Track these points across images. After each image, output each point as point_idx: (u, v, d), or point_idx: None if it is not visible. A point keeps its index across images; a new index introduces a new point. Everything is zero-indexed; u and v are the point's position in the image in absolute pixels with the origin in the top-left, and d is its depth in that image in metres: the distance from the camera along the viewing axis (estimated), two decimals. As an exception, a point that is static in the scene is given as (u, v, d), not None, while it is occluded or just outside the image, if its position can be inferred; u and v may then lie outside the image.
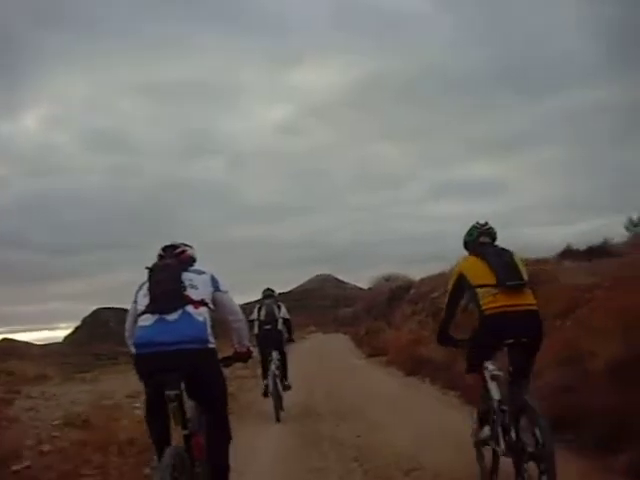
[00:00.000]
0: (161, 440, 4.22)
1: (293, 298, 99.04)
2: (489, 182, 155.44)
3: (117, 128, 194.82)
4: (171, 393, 4.02)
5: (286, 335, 10.73)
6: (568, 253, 21.19)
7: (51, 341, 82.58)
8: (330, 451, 7.35)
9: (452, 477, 5.77)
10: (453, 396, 10.47)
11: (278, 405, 9.69)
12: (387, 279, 41.05)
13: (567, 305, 11.85)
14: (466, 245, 5.41)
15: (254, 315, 10.48)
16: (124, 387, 11.90)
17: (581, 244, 21.57)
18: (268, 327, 10.33)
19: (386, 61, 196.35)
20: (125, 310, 4.85)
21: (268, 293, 10.71)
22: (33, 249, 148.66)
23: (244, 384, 13.98)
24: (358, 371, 17.27)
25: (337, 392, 12.58)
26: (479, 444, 5.28)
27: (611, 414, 6.25)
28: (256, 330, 10.34)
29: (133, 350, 4.31)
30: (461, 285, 5.13)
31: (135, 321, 4.41)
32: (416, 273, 31.86)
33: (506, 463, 4.90)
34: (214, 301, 4.53)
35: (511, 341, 4.79)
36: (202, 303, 4.35)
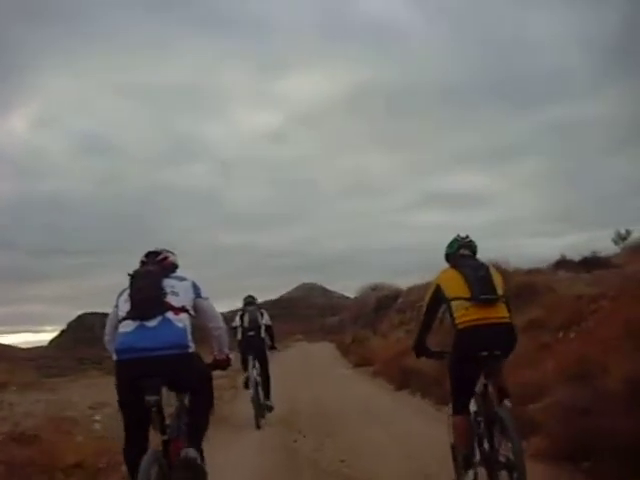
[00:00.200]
0: (139, 444, 4.17)
1: (279, 306, 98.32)
2: (476, 193, 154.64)
3: (103, 131, 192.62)
4: (151, 399, 4.00)
5: (269, 342, 10.56)
6: (562, 264, 20.49)
7: (36, 344, 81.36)
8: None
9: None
10: (447, 413, 9.48)
11: (259, 413, 9.52)
12: (373, 288, 40.15)
13: (570, 316, 10.99)
14: (447, 257, 5.39)
15: (236, 322, 10.35)
16: (90, 397, 10.89)
17: (572, 256, 21.01)
18: (251, 334, 10.21)
19: (375, 70, 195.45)
20: (110, 315, 4.75)
21: (250, 300, 10.58)
22: (16, 251, 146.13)
23: (222, 395, 12.95)
24: (344, 382, 16.24)
25: (321, 406, 11.65)
26: None
27: (634, 440, 5.38)
28: (239, 336, 10.25)
29: (114, 356, 4.26)
30: (438, 297, 5.10)
31: (115, 326, 4.38)
32: (403, 283, 31.22)
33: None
34: (195, 308, 4.50)
35: (485, 354, 4.76)
36: (183, 309, 4.34)
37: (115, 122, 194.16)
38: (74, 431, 7.66)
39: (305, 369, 21.32)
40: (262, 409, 9.72)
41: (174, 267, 4.77)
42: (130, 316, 4.24)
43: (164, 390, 4.22)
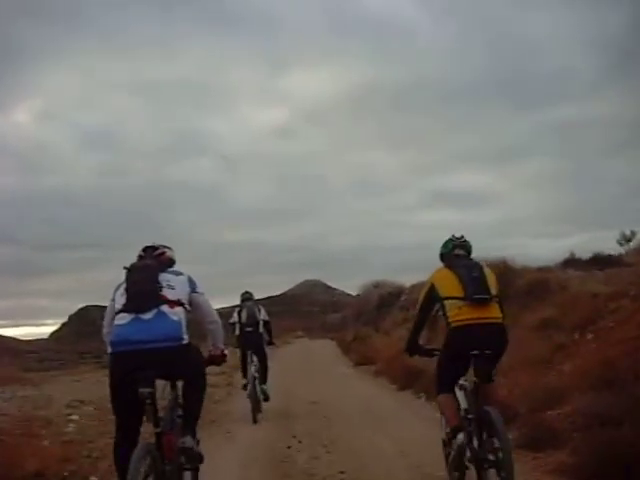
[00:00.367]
0: (130, 436, 4.18)
1: (282, 302, 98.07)
2: (480, 193, 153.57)
3: (107, 126, 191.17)
4: (145, 391, 4.01)
5: (267, 338, 10.50)
6: (571, 262, 19.70)
7: (37, 337, 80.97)
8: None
9: None
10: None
11: (256, 408, 9.49)
12: (376, 285, 39.34)
13: (586, 315, 10.22)
14: (442, 257, 5.43)
15: (234, 318, 10.33)
16: (73, 393, 10.12)
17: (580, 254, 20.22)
18: (249, 329, 10.17)
19: (382, 68, 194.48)
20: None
21: (247, 296, 10.57)
22: (19, 244, 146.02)
23: (214, 394, 12.14)
24: (345, 382, 15.39)
25: (320, 407, 10.85)
26: (456, 466, 5.01)
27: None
28: (237, 332, 10.24)
29: (109, 348, 4.27)
30: (432, 296, 5.14)
31: (113, 319, 4.37)
32: (405, 281, 30.29)
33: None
34: (190, 302, 4.52)
35: (476, 352, 4.79)
36: (178, 303, 4.35)
37: (120, 117, 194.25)
38: (43, 433, 6.87)
39: (304, 367, 20.49)
40: (259, 404, 9.70)
41: (171, 262, 4.80)
42: (126, 309, 4.27)
43: (159, 383, 4.29)
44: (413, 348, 5.49)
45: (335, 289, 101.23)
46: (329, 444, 7.52)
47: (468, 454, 4.79)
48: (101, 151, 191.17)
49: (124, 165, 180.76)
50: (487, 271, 5.11)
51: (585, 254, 20.15)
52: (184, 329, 4.32)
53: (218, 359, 4.84)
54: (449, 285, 4.99)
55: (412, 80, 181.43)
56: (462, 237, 5.46)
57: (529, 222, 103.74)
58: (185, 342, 4.30)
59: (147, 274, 4.44)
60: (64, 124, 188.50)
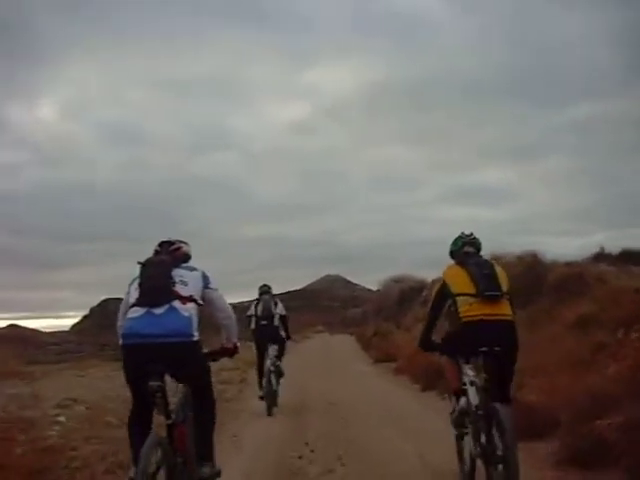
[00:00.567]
0: (142, 429, 4.17)
1: (302, 297, 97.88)
2: (501, 189, 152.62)
3: (130, 120, 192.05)
4: (154, 384, 4.03)
5: (282, 332, 10.41)
6: (602, 257, 18.69)
7: (58, 329, 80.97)
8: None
9: None
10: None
11: (271, 402, 9.50)
12: (397, 280, 38.57)
13: (630, 312, 9.15)
14: (452, 254, 5.44)
15: (251, 311, 10.34)
16: (69, 390, 9.31)
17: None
18: (264, 322, 10.13)
19: (402, 64, 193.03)
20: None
21: (265, 289, 10.48)
22: (42, 237, 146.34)
23: (225, 391, 11.30)
24: (364, 380, 14.44)
25: (336, 409, 9.93)
26: (457, 424, 5.27)
27: None
28: (253, 325, 10.21)
29: (120, 341, 4.29)
30: (444, 292, 5.16)
31: (126, 312, 4.38)
32: (427, 276, 29.28)
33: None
34: (204, 298, 4.52)
35: (485, 349, 4.82)
36: (190, 299, 4.35)
37: (143, 112, 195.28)
38: (20, 438, 5.99)
39: (322, 363, 19.64)
40: (275, 397, 9.72)
41: (186, 257, 4.79)
42: (138, 303, 4.29)
43: (171, 382, 4.31)
44: (426, 344, 5.45)
45: (355, 284, 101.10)
46: (344, 454, 6.61)
47: (478, 449, 4.82)
48: (123, 146, 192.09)
49: (146, 160, 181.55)
50: (498, 268, 5.14)
51: (614, 250, 19.15)
52: (195, 325, 4.31)
53: (230, 351, 4.85)
54: (461, 282, 5.03)
55: (432, 76, 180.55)
56: (471, 234, 5.48)
57: (550, 219, 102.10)
58: (195, 339, 4.29)
59: (161, 269, 4.44)
60: (87, 118, 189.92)
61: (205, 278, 4.59)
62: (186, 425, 4.36)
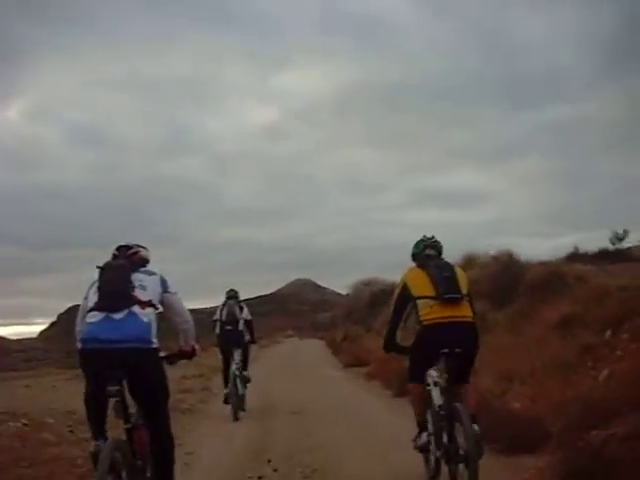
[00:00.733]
0: (99, 432, 4.11)
1: (272, 301, 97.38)
2: (473, 192, 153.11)
3: (99, 122, 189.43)
4: (112, 389, 3.97)
5: (247, 337, 10.25)
6: (576, 257, 18.17)
7: (26, 336, 79.64)
8: None
9: None
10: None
11: (238, 406, 9.39)
12: (367, 283, 37.99)
13: (616, 311, 8.50)
14: (413, 257, 5.43)
15: (216, 315, 10.21)
16: (10, 402, 8.44)
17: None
18: (229, 327, 9.97)
19: (372, 67, 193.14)
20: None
21: (231, 294, 10.32)
22: (9, 242, 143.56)
23: (184, 401, 10.43)
24: (334, 387, 13.61)
25: (304, 420, 9.10)
26: (419, 450, 5.27)
27: None
28: (217, 330, 10.07)
29: (79, 345, 4.21)
30: (405, 295, 5.15)
31: (85, 317, 4.29)
32: (397, 279, 28.64)
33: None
34: (162, 302, 4.46)
35: (446, 350, 4.82)
36: (149, 304, 4.29)
37: (112, 114, 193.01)
38: None
39: (291, 369, 18.76)
40: (241, 402, 9.62)
41: (144, 262, 4.69)
42: (97, 307, 4.21)
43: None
44: (390, 346, 5.39)
45: (325, 288, 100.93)
46: (313, 473, 5.83)
47: (440, 450, 4.88)
48: (93, 148, 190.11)
49: (116, 162, 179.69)
50: (458, 271, 5.16)
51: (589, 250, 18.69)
52: (154, 332, 4.24)
53: (188, 354, 4.75)
54: (421, 284, 5.03)
55: (403, 79, 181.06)
56: (433, 237, 5.47)
57: (522, 221, 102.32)
58: (154, 346, 4.23)
59: (120, 274, 4.37)
60: (56, 121, 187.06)
61: (164, 282, 4.52)
62: (144, 427, 4.29)
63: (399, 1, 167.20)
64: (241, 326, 10.04)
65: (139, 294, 4.27)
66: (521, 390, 7.68)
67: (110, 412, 4.11)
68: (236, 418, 9.14)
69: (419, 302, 4.99)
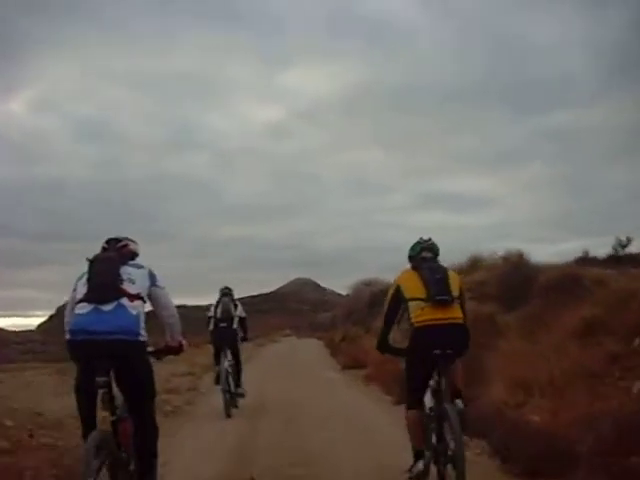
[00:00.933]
0: (88, 423, 4.12)
1: (272, 300, 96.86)
2: (476, 196, 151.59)
3: (104, 117, 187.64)
4: (100, 380, 4.00)
5: (241, 334, 10.26)
6: (586, 261, 17.38)
7: (25, 328, 79.36)
8: None
9: None
10: (476, 448, 6.29)
11: (230, 402, 9.32)
12: (367, 284, 37.22)
13: (645, 317, 7.61)
14: (410, 259, 5.38)
15: (211, 312, 10.21)
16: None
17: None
18: (224, 325, 9.96)
19: (379, 68, 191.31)
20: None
21: (226, 291, 10.30)
22: (11, 234, 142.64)
23: (168, 402, 9.59)
24: (331, 390, 12.71)
25: (296, 428, 8.21)
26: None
27: None
28: (211, 327, 10.07)
29: (67, 336, 4.24)
30: (398, 297, 5.14)
31: (74, 308, 4.31)
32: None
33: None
34: (150, 296, 4.48)
35: (437, 352, 4.84)
36: (138, 297, 4.31)
37: (118, 109, 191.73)
38: None
39: (287, 370, 17.92)
40: (234, 398, 9.54)
41: (133, 255, 4.66)
42: (86, 299, 4.20)
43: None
44: (384, 347, 5.37)
45: (325, 288, 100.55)
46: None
47: (429, 451, 4.88)
48: (97, 143, 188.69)
49: (120, 157, 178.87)
50: (451, 273, 5.17)
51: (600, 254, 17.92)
52: (142, 324, 4.26)
53: (175, 350, 4.71)
54: (413, 286, 5.04)
55: (410, 81, 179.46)
56: (430, 240, 5.43)
57: (525, 226, 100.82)
58: (141, 339, 4.24)
59: (109, 266, 4.36)
60: (61, 114, 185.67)
61: (152, 276, 4.51)
62: (130, 420, 4.27)
63: (408, 2, 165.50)
64: (235, 324, 10.02)
65: (127, 287, 4.28)
66: (539, 402, 6.83)
67: (99, 403, 4.08)
68: (228, 415, 9.09)
69: (411, 304, 5.00)
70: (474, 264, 18.04)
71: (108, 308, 4.14)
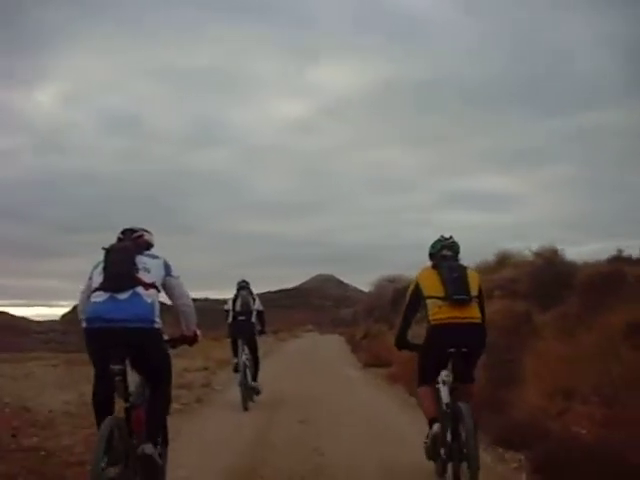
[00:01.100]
0: (103, 410, 4.16)
1: (294, 295, 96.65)
2: (500, 195, 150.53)
3: (130, 110, 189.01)
4: (115, 367, 4.06)
5: (258, 327, 10.19)
6: (620, 260, 16.43)
7: (48, 318, 79.78)
8: None
9: None
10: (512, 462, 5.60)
11: (247, 395, 9.29)
12: (391, 280, 36.59)
13: None
14: (430, 256, 5.41)
15: (228, 305, 10.21)
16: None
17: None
18: (242, 318, 9.96)
19: (406, 65, 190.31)
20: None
21: (243, 285, 10.31)
22: (36, 225, 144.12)
23: (178, 398, 8.91)
24: (352, 390, 11.98)
25: (310, 432, 7.48)
26: (431, 454, 5.12)
27: None
28: (229, 320, 10.07)
29: (83, 324, 4.28)
30: (417, 294, 5.19)
31: (89, 297, 4.36)
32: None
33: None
34: (165, 285, 4.55)
35: (452, 350, 4.86)
36: (152, 286, 4.38)
37: (145, 103, 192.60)
38: None
39: (306, 366, 17.23)
40: (250, 392, 9.48)
41: (149, 245, 4.74)
42: (102, 287, 4.26)
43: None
44: (402, 343, 5.44)
45: (348, 285, 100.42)
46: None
47: (445, 449, 4.83)
48: (124, 135, 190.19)
49: (144, 150, 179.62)
50: (470, 272, 5.16)
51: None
52: (157, 312, 4.31)
53: (190, 339, 4.78)
54: (431, 284, 5.06)
55: (435, 79, 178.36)
56: (450, 238, 5.41)
57: (548, 227, 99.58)
58: (157, 326, 4.30)
59: (125, 256, 4.41)
60: (88, 107, 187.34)
61: (167, 267, 4.57)
62: (144, 407, 4.29)
63: (434, 0, 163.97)
64: (254, 317, 9.99)
65: (143, 276, 4.33)
66: (584, 410, 6.08)
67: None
68: (245, 408, 9.10)
69: (428, 302, 5.03)
70: (502, 261, 17.32)
71: (124, 296, 4.20)
